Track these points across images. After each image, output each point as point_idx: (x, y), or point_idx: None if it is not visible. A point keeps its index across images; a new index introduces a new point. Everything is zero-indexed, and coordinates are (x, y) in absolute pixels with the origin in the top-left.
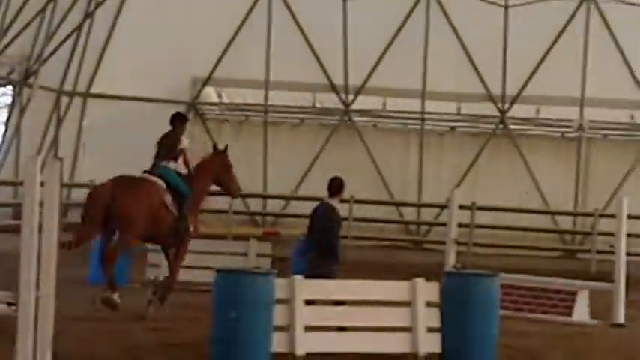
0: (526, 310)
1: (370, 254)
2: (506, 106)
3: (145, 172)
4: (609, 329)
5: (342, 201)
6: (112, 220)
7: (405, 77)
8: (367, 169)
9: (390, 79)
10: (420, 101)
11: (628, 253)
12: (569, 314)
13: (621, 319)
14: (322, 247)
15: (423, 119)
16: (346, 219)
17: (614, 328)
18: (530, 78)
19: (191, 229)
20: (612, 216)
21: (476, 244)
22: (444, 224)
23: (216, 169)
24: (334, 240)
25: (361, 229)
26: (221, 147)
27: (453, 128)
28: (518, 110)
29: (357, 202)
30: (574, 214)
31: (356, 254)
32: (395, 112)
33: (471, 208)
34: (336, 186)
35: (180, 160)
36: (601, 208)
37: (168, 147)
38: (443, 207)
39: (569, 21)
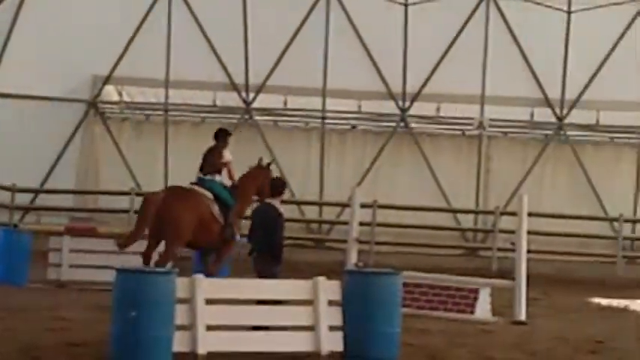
0: (428, 308)
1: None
2: (407, 104)
3: (192, 183)
4: (511, 327)
5: (283, 201)
6: (162, 227)
7: (306, 75)
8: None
9: (291, 78)
10: (321, 99)
11: (529, 251)
12: (471, 312)
13: (523, 317)
14: (265, 249)
15: (324, 117)
16: (247, 218)
17: (516, 326)
18: (430, 76)
19: (237, 236)
20: (513, 213)
21: (378, 243)
22: (345, 223)
23: (260, 183)
24: (279, 242)
25: None
26: (264, 162)
27: (354, 126)
28: (419, 108)
29: (259, 201)
30: (475, 212)
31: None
32: (296, 110)
33: (373, 206)
34: (276, 186)
35: (225, 173)
36: (502, 205)
37: (211, 161)
38: (344, 205)
39: (468, 19)
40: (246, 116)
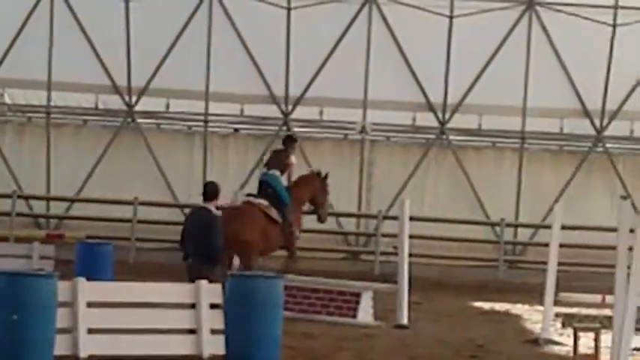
0: (310, 312)
1: (155, 256)
2: (290, 108)
3: (248, 194)
4: (393, 330)
5: (217, 207)
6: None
7: (189, 78)
8: (151, 171)
9: (174, 81)
10: (204, 103)
11: (411, 255)
12: (354, 316)
13: (405, 321)
14: (203, 254)
15: (206, 121)
16: (129, 220)
17: (398, 330)
18: (313, 80)
19: (297, 232)
20: (395, 217)
21: None
22: None
23: (316, 189)
24: (219, 245)
25: (146, 232)
26: (323, 173)
27: (236, 130)
28: (301, 112)
29: (142, 203)
30: (358, 216)
31: (141, 257)
32: (178, 113)
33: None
34: (211, 191)
35: (286, 175)
36: (384, 209)
37: (278, 160)
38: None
39: (351, 23)
40: (129, 119)
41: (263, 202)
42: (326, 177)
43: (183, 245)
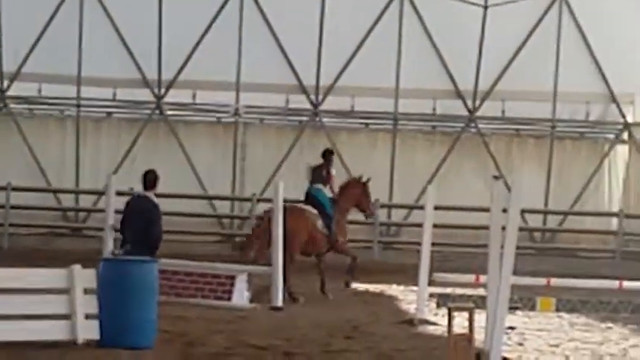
0: (185, 296)
1: (28, 242)
2: (163, 91)
3: (300, 201)
4: (268, 312)
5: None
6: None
7: (61, 63)
8: (23, 155)
9: (46, 65)
10: (76, 87)
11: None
12: (229, 299)
13: (279, 303)
14: (141, 240)
15: (79, 105)
16: (2, 207)
17: (273, 312)
18: (185, 63)
19: (340, 239)
20: (269, 200)
21: None
22: (102, 210)
23: (359, 196)
24: (158, 233)
25: (18, 217)
26: (364, 178)
27: (109, 114)
28: (178, 96)
29: (14, 189)
30: (232, 199)
31: (13, 242)
32: (51, 98)
33: (129, 193)
34: (151, 179)
35: (329, 186)
36: (259, 192)
37: (321, 174)
38: (101, 193)
39: (222, 7)
40: (1, 105)
41: (314, 211)
42: (367, 181)
43: (122, 232)
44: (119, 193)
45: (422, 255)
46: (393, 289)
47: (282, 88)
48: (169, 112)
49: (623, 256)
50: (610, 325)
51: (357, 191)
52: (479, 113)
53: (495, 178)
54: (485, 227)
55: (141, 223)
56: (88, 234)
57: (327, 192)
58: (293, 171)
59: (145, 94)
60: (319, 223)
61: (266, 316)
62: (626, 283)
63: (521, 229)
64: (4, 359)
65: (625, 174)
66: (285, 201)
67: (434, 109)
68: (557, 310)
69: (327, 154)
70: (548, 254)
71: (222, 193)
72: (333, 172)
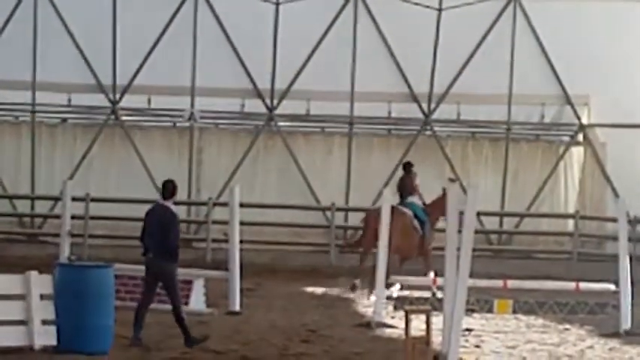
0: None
1: None
2: (118, 97)
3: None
4: (225, 317)
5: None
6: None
7: (15, 69)
8: None
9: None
10: (31, 93)
11: (242, 241)
12: (186, 303)
13: (237, 307)
14: (162, 249)
15: (33, 111)
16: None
17: (230, 316)
18: (140, 68)
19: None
20: (226, 204)
21: (91, 236)
22: (58, 216)
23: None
24: (175, 242)
25: None
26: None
27: (64, 119)
28: (129, 101)
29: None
30: (188, 204)
31: None
32: (5, 103)
33: (85, 199)
34: (169, 189)
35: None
36: (215, 197)
37: (409, 186)
38: (57, 199)
39: (177, 11)
40: None
41: (410, 212)
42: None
43: (143, 241)
44: (75, 199)
45: (379, 258)
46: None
47: (237, 93)
48: (125, 118)
49: (579, 258)
50: (567, 326)
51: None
52: (434, 116)
53: (451, 180)
54: (442, 230)
55: (160, 231)
56: (45, 240)
57: (418, 202)
58: (249, 175)
59: (100, 100)
60: (415, 223)
61: (223, 321)
62: (583, 285)
63: (477, 232)
64: None
65: (580, 175)
66: (241, 205)
67: (389, 113)
68: (515, 311)
69: (408, 167)
70: (505, 256)
71: (178, 197)
72: (418, 181)
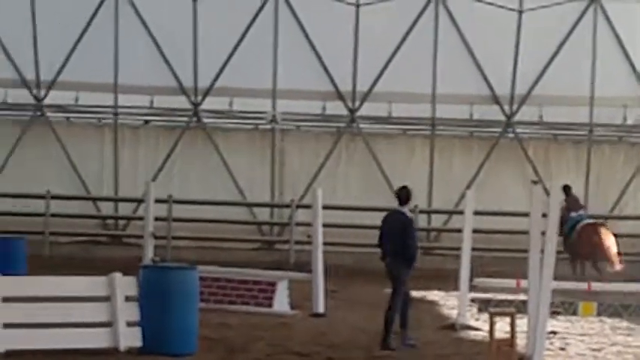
0: (226, 302)
1: (68, 250)
2: (200, 99)
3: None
4: (309, 319)
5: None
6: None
7: (98, 71)
8: (62, 164)
9: (82, 74)
10: (113, 95)
11: (325, 243)
12: (270, 305)
13: (321, 309)
14: (400, 253)
15: (116, 114)
16: (42, 214)
17: (314, 318)
18: (221, 71)
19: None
20: (308, 206)
21: (175, 238)
22: (141, 218)
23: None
24: (414, 246)
25: (58, 225)
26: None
27: (147, 122)
28: (212, 103)
29: (54, 197)
30: (271, 206)
31: (54, 250)
32: (88, 106)
33: (168, 201)
34: (404, 195)
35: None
36: (297, 198)
37: (577, 202)
38: (140, 201)
39: (257, 14)
40: (38, 113)
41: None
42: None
43: (382, 245)
44: (158, 201)
45: (462, 260)
46: (434, 295)
47: (318, 95)
48: (206, 120)
49: None
50: None
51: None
52: (516, 118)
53: (534, 182)
54: (525, 232)
55: (398, 236)
56: (128, 242)
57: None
58: (331, 177)
59: (181, 102)
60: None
61: (307, 323)
62: None
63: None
64: None
65: None
66: (323, 207)
67: (471, 115)
68: (599, 314)
69: (567, 189)
70: None
71: (260, 199)
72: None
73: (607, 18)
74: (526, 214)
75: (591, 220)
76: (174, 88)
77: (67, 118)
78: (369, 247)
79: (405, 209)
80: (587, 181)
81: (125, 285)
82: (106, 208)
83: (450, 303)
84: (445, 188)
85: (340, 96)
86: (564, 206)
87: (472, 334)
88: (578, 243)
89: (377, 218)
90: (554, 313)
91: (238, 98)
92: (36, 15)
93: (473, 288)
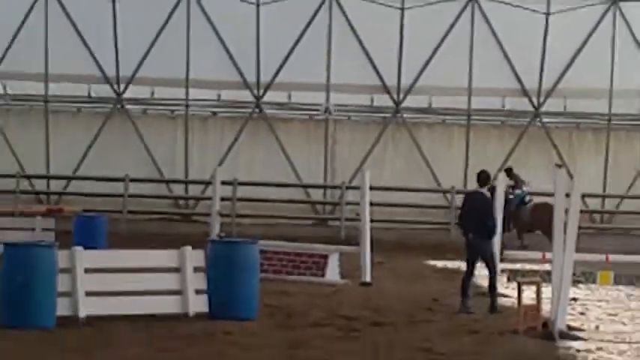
0: (284, 273)
1: (143, 227)
2: (261, 92)
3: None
4: (358, 287)
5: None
6: None
7: (171, 68)
8: (139, 151)
9: (157, 70)
10: (185, 89)
11: (372, 220)
12: (322, 275)
13: (368, 279)
14: (480, 229)
15: (187, 105)
16: (121, 195)
17: (363, 287)
18: (281, 67)
19: None
20: (357, 187)
21: (238, 216)
22: (209, 198)
23: None
24: (493, 222)
25: (135, 205)
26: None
27: (214, 113)
28: (272, 96)
29: (132, 180)
30: (324, 187)
31: (131, 227)
32: (162, 99)
33: (233, 183)
34: (484, 178)
35: None
36: (347, 181)
37: (520, 181)
38: (208, 183)
39: (313, 16)
40: (118, 106)
41: None
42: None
43: (463, 224)
44: (224, 183)
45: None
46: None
47: (367, 89)
48: (268, 111)
49: None
50: None
51: None
52: (543, 109)
53: (558, 166)
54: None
55: (477, 215)
56: (197, 219)
57: None
58: (378, 162)
59: (245, 95)
60: None
61: (356, 291)
62: None
63: (582, 212)
64: (128, 329)
65: None
66: (370, 188)
67: (503, 106)
68: (616, 283)
69: (510, 171)
70: (607, 234)
71: (314, 181)
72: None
73: (625, 19)
74: (551, 194)
75: (543, 200)
76: (239, 82)
77: (144, 110)
78: (412, 224)
79: (484, 190)
80: (606, 164)
81: (194, 257)
82: (178, 189)
83: (482, 273)
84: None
85: (386, 89)
86: (509, 184)
87: (502, 300)
88: (534, 217)
89: (418, 198)
90: (575, 282)
91: (296, 92)
92: (117, 17)
93: (502, 260)
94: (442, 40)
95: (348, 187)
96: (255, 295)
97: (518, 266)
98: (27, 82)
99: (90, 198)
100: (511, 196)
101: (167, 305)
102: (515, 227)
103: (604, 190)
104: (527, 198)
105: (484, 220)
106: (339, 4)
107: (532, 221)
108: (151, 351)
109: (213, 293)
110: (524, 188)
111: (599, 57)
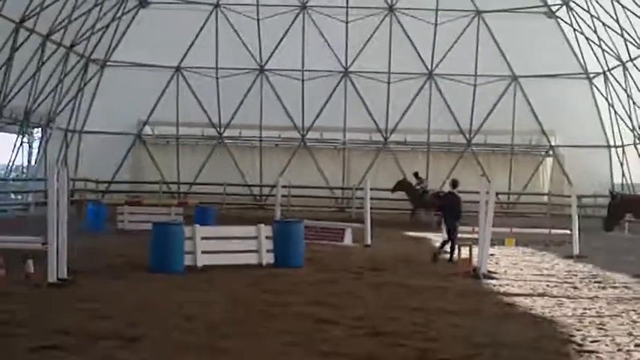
0: (317, 239)
1: (235, 212)
2: (305, 132)
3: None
4: (363, 248)
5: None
6: None
7: (250, 116)
8: (233, 169)
9: (244, 118)
10: (259, 131)
11: (371, 208)
12: (342, 240)
13: (369, 242)
14: (453, 214)
15: (261, 140)
16: (221, 193)
17: (366, 248)
18: (317, 117)
19: None
20: (362, 189)
21: (292, 206)
22: (274, 195)
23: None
24: (459, 212)
25: (230, 200)
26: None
27: (276, 144)
28: (311, 134)
29: (229, 184)
30: (342, 188)
31: (228, 213)
32: (246, 137)
33: (288, 186)
34: (455, 183)
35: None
36: (356, 184)
37: (424, 183)
38: (273, 186)
39: (335, 87)
40: (219, 141)
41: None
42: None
43: (443, 212)
44: (283, 186)
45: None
46: (430, 236)
47: (367, 129)
48: (309, 143)
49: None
50: (544, 252)
51: None
52: (473, 142)
53: (482, 176)
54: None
55: (451, 206)
56: (268, 207)
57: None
58: (373, 175)
59: (295, 134)
60: None
61: (362, 251)
62: (554, 230)
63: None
64: (229, 273)
65: None
66: (370, 189)
67: (449, 140)
68: (516, 245)
69: (417, 175)
70: (511, 216)
71: (336, 185)
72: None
73: (523, 92)
74: (477, 192)
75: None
76: (291, 126)
77: (236, 143)
78: (395, 210)
79: (454, 191)
80: (510, 174)
81: (266, 230)
82: (256, 190)
83: (436, 239)
84: (435, 180)
85: (379, 130)
86: (418, 184)
87: (447, 256)
88: (434, 202)
89: (398, 195)
90: (492, 244)
91: (326, 132)
92: (219, 82)
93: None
94: (412, 101)
95: (356, 189)
96: (301, 253)
97: (459, 235)
98: (166, 126)
99: (204, 195)
100: (418, 188)
101: (249, 258)
102: (420, 206)
103: (509, 189)
104: (428, 190)
105: (456, 209)
106: (352, 83)
107: (433, 203)
108: (243, 285)
109: (277, 251)
110: (425, 184)
111: (504, 113)
